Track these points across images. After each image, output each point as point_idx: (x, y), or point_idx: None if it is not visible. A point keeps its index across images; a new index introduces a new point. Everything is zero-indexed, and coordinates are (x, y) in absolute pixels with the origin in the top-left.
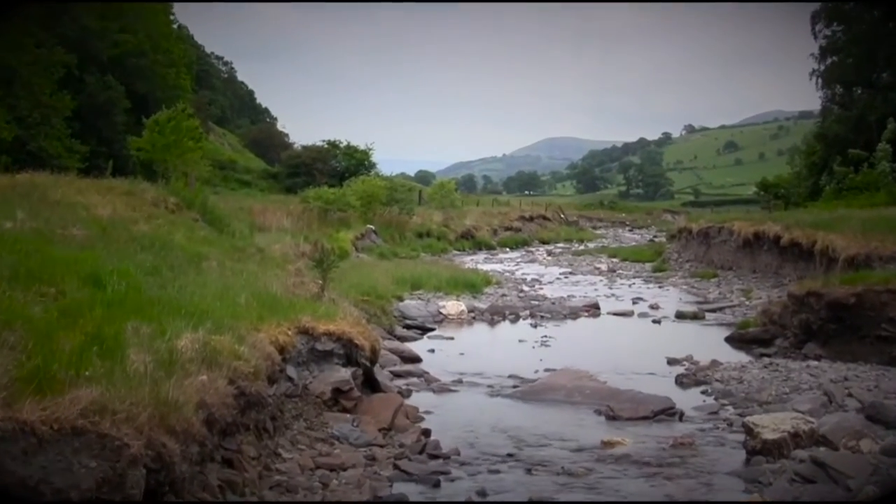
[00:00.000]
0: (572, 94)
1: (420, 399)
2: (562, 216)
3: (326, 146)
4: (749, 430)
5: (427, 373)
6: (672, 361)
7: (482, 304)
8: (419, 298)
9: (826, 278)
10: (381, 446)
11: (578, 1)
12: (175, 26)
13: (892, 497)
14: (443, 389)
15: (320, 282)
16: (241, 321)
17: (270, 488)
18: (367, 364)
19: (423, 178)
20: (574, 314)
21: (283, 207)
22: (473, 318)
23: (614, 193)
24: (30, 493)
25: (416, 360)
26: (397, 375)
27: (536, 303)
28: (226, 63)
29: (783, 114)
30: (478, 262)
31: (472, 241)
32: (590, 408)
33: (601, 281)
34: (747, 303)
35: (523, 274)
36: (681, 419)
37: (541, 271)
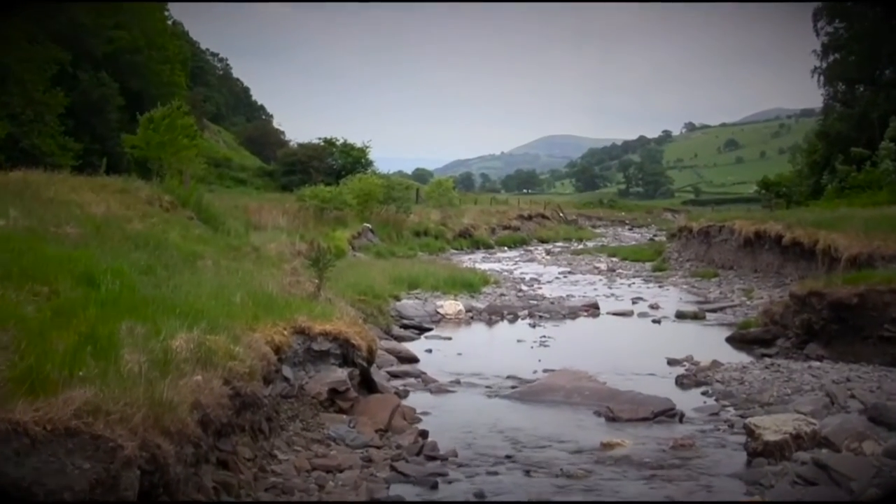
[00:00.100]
0: (571, 92)
1: (417, 400)
2: (561, 215)
3: (323, 144)
4: (750, 432)
5: (424, 373)
6: (672, 362)
7: (480, 304)
8: (416, 298)
9: (828, 278)
10: (378, 447)
11: (578, 1)
12: (170, 23)
13: (893, 498)
14: (440, 390)
15: (316, 281)
16: (237, 321)
17: (266, 490)
18: (364, 364)
19: (421, 176)
20: (573, 314)
21: (279, 206)
22: (471, 317)
23: (614, 192)
24: (23, 495)
25: (413, 360)
26: (394, 376)
27: (535, 302)
28: (221, 60)
29: (784, 111)
30: (476, 261)
31: (469, 240)
32: (589, 409)
33: (600, 280)
34: (748, 303)
35: (522, 273)
36: (681, 420)
37: (539, 270)
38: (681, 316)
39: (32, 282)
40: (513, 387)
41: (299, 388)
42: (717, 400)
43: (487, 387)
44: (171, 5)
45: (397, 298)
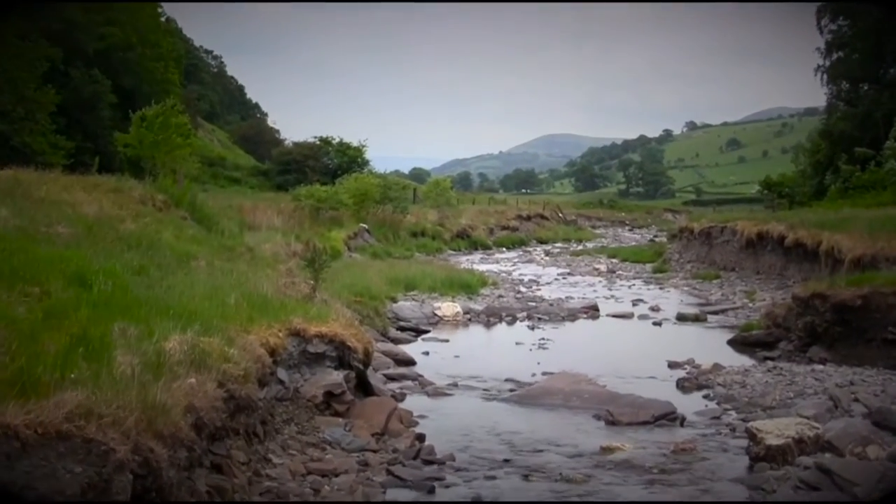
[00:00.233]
0: (571, 90)
1: (414, 403)
2: (560, 215)
3: (318, 143)
4: (752, 436)
5: (421, 376)
6: (673, 365)
7: (478, 306)
8: (413, 299)
9: (831, 280)
10: (375, 451)
11: (578, 1)
12: (163, 19)
13: (893, 497)
14: (437, 393)
15: (312, 282)
16: (231, 322)
17: (260, 494)
18: (360, 367)
19: (418, 175)
20: (572, 316)
21: (274, 206)
22: (469, 319)
23: (614, 192)
24: (13, 501)
25: (410, 362)
26: (391, 378)
27: (534, 304)
28: (215, 57)
29: (787, 110)
30: (474, 262)
31: (467, 241)
32: (588, 412)
33: (600, 282)
34: (750, 305)
35: (520, 274)
36: (682, 424)
37: (538, 272)
38: (682, 318)
39: (23, 282)
40: (511, 390)
41: (294, 390)
42: (718, 403)
43: (485, 390)
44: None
45: (394, 300)
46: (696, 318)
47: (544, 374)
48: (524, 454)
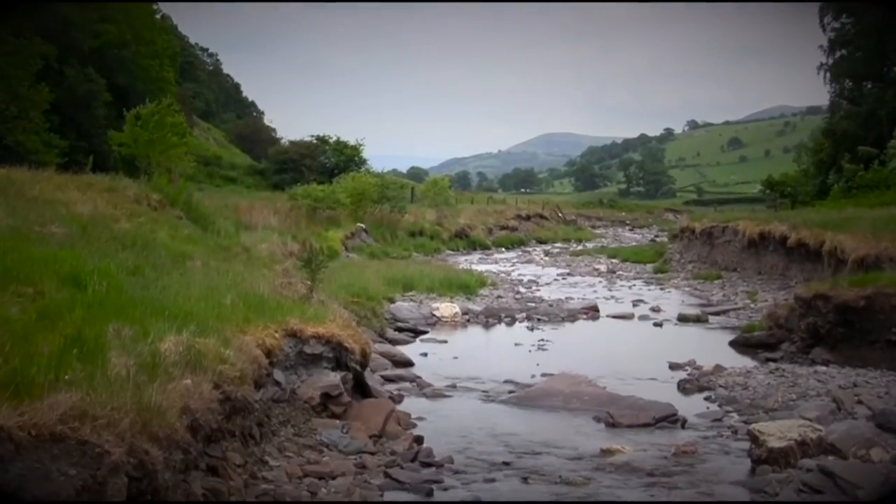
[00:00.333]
0: (571, 89)
1: (412, 405)
2: (559, 215)
3: (315, 141)
4: (754, 438)
5: (419, 377)
6: (674, 366)
7: (477, 307)
8: (411, 300)
9: (834, 280)
10: (372, 454)
11: (577, 1)
12: (158, 17)
13: (893, 497)
14: (436, 395)
15: (309, 282)
16: (227, 323)
17: (257, 497)
18: (358, 368)
19: (416, 174)
20: (572, 317)
21: (270, 205)
22: (468, 320)
23: (614, 191)
24: (10, 501)
25: (408, 364)
26: (388, 380)
27: (533, 305)
28: (211, 55)
29: (790, 109)
30: (472, 262)
31: (466, 241)
32: (588, 414)
33: (600, 282)
34: (752, 305)
35: (519, 275)
36: (683, 426)
37: (538, 272)
38: (683, 319)
39: (17, 283)
40: (510, 391)
41: (291, 392)
42: (720, 405)
43: (484, 391)
44: None
45: (392, 300)
46: (698, 319)
47: (544, 375)
48: (523, 456)
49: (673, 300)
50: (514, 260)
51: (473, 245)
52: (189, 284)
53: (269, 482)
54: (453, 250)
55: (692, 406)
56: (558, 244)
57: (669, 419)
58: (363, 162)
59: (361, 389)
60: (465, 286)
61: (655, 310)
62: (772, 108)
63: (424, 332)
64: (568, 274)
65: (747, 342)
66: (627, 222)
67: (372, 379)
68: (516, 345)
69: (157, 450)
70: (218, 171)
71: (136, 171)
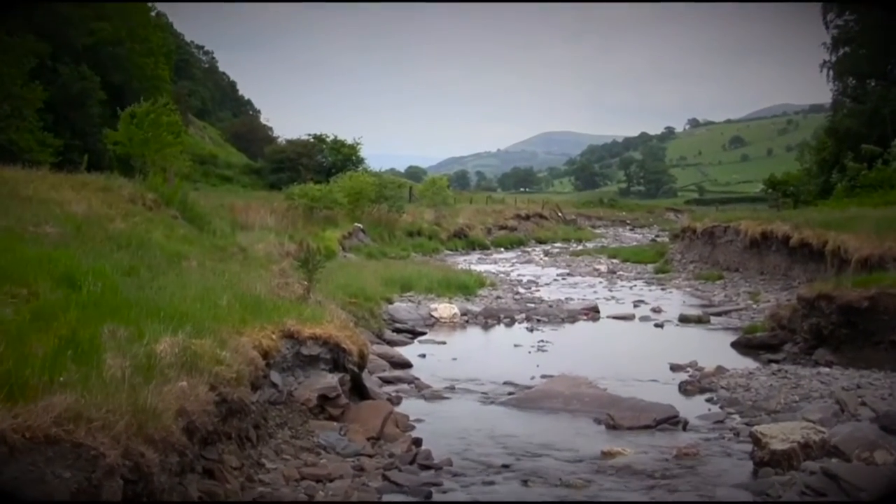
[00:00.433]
0: (570, 87)
1: (410, 406)
2: (559, 214)
3: (312, 140)
4: (756, 440)
5: (418, 379)
6: (675, 368)
7: (476, 307)
8: (409, 301)
9: (838, 280)
10: (370, 456)
11: (577, 1)
12: (153, 14)
13: (893, 497)
14: (434, 396)
15: (306, 283)
16: (223, 324)
17: (253, 500)
18: (355, 370)
19: (414, 174)
20: (572, 318)
21: (267, 204)
22: (466, 321)
23: (614, 191)
24: (8, 500)
25: (406, 365)
26: (387, 381)
27: (533, 306)
28: (207, 52)
29: (792, 107)
30: (471, 262)
31: (465, 241)
32: (589, 416)
33: (601, 283)
34: (754, 306)
35: (519, 275)
36: (684, 428)
37: (537, 272)
38: (684, 320)
39: (10, 283)
40: (510, 393)
41: (288, 394)
42: (721, 407)
43: (483, 393)
44: None
45: (390, 301)
46: (699, 320)
47: (543, 376)
48: (523, 459)
49: (674, 301)
50: (514, 260)
51: (472, 245)
52: (185, 285)
53: (266, 485)
54: (452, 250)
55: (694, 408)
56: (558, 244)
57: (671, 421)
58: (360, 161)
59: (359, 391)
60: (464, 287)
61: (656, 310)
62: (774, 106)
63: (423, 334)
64: (568, 274)
65: (749, 343)
66: (628, 222)
67: (370, 380)
68: (516, 346)
69: (153, 452)
70: (214, 171)
71: (131, 170)
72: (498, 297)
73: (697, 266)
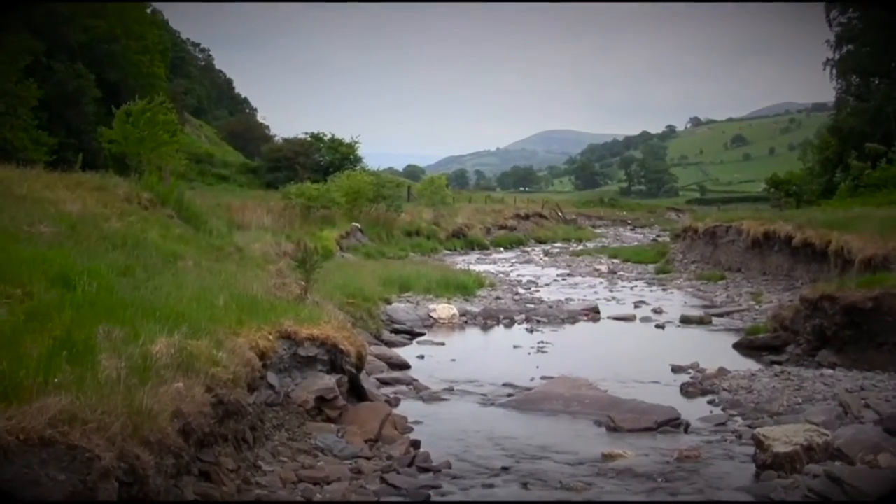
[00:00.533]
0: (570, 85)
1: (409, 408)
2: (559, 214)
3: (309, 139)
4: (759, 443)
5: (416, 380)
6: (677, 369)
7: (475, 308)
8: (408, 301)
9: (841, 281)
10: (368, 458)
11: (577, 1)
12: (149, 11)
13: (893, 497)
14: (433, 398)
15: (303, 283)
16: (220, 325)
17: (250, 503)
18: (353, 371)
19: (413, 173)
20: (572, 318)
21: (264, 204)
22: (465, 322)
23: (615, 190)
24: (6, 500)
25: (404, 366)
26: (385, 383)
27: (532, 306)
28: (203, 50)
29: (795, 106)
30: (470, 262)
31: (463, 241)
32: (589, 418)
33: (601, 283)
34: (757, 307)
35: (518, 275)
36: (686, 431)
37: (537, 273)
38: (686, 321)
39: (4, 283)
40: (509, 395)
41: (285, 395)
42: (723, 409)
43: (482, 395)
44: None
45: (388, 302)
46: (701, 321)
47: (543, 378)
48: (523, 461)
49: (675, 301)
50: (513, 260)
51: (471, 245)
52: (181, 285)
53: (263, 487)
54: (451, 250)
55: (695, 410)
56: (558, 244)
57: (672, 423)
58: (358, 160)
59: (357, 393)
60: (463, 287)
61: (657, 311)
62: (776, 104)
63: (421, 334)
64: (568, 274)
65: (752, 344)
66: (629, 221)
67: (368, 382)
68: (515, 347)
69: (149, 454)
70: (210, 169)
71: (126, 169)
72: (497, 298)
73: (699, 266)
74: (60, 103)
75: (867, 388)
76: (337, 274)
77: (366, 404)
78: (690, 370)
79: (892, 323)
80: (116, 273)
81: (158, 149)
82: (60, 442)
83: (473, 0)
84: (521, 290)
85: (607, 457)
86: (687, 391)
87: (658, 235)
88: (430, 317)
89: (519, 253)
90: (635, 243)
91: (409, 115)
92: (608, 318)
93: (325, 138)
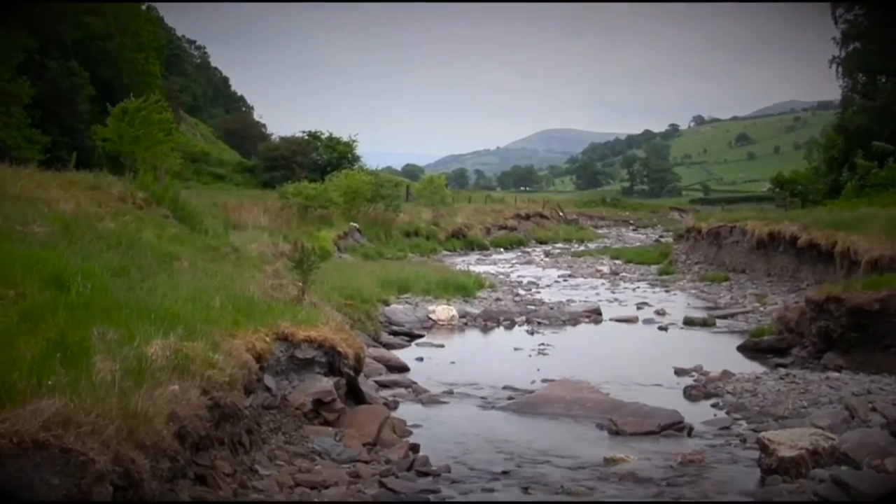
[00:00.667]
0: (571, 84)
1: (408, 411)
2: (560, 214)
3: (307, 138)
4: (764, 447)
5: (415, 383)
6: (680, 372)
7: (475, 309)
8: (407, 303)
9: (847, 282)
10: (366, 462)
11: (577, 1)
12: (144, 8)
13: (893, 497)
14: (432, 401)
15: (300, 284)
16: (216, 326)
17: None
18: (351, 373)
19: (411, 172)
20: (574, 320)
21: (260, 203)
22: (465, 324)
23: (617, 190)
24: (6, 499)
25: (403, 369)
26: (383, 385)
27: (533, 308)
28: (198, 47)
29: (800, 104)
30: (470, 263)
31: (463, 241)
32: (591, 421)
33: (603, 284)
34: (761, 309)
35: (519, 276)
36: (689, 434)
37: (538, 274)
38: (689, 322)
39: None
40: (509, 398)
41: (282, 398)
42: (728, 413)
43: (482, 398)
44: None
45: (386, 303)
46: (704, 323)
47: (544, 381)
48: (523, 465)
49: (678, 303)
50: (514, 261)
51: (471, 245)
52: (176, 286)
53: (260, 491)
54: (450, 251)
55: (699, 413)
56: (559, 244)
57: (675, 427)
58: (356, 159)
59: (355, 395)
60: (463, 288)
61: (660, 313)
62: (781, 102)
63: (420, 336)
64: (569, 275)
65: (756, 347)
66: (631, 222)
67: (366, 384)
68: (516, 349)
69: (144, 458)
70: (206, 168)
71: (120, 167)
72: (497, 299)
73: (702, 267)
74: (54, 101)
75: (874, 392)
76: (335, 275)
77: (364, 407)
78: (694, 373)
79: None
80: (111, 274)
81: (153, 147)
82: (54, 445)
83: (473, 0)
84: (521, 292)
85: (609, 461)
86: (690, 394)
87: (661, 236)
88: (430, 318)
89: (519, 254)
90: (638, 244)
91: (408, 113)
92: (610, 319)
93: (323, 137)
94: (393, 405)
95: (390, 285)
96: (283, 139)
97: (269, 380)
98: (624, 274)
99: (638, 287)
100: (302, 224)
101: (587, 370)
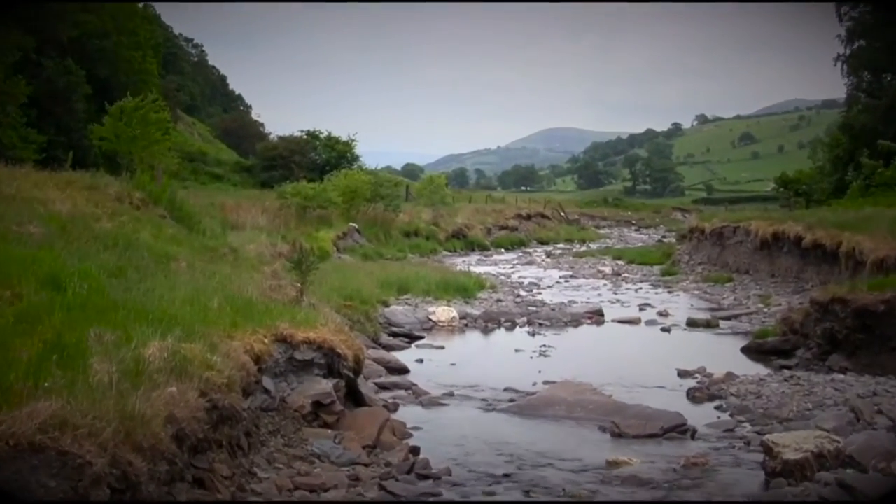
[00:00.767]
0: (572, 83)
1: (408, 413)
2: (562, 214)
3: (305, 137)
4: (768, 450)
5: (415, 385)
6: (683, 374)
7: (475, 311)
8: (406, 304)
9: (852, 283)
10: (366, 465)
11: (577, 0)
12: (140, 5)
13: (893, 497)
14: (433, 403)
15: (299, 285)
16: (214, 328)
17: None
18: (351, 375)
19: (411, 171)
20: (575, 321)
21: (259, 203)
22: (466, 325)
23: (619, 189)
24: (5, 499)
25: (403, 370)
26: (383, 388)
27: (534, 309)
28: (196, 46)
29: (804, 103)
30: (470, 263)
31: (463, 241)
32: (593, 424)
33: (605, 285)
34: (765, 310)
35: (520, 277)
36: (693, 437)
37: (539, 274)
38: (692, 324)
39: None
40: (511, 400)
41: (281, 400)
42: (731, 415)
43: (483, 400)
44: None
45: (386, 304)
46: (708, 324)
47: (546, 382)
48: (525, 468)
49: (681, 304)
50: (515, 261)
51: (471, 246)
52: (174, 287)
53: (258, 495)
54: (450, 251)
55: (702, 415)
56: (561, 245)
57: (678, 429)
58: (355, 158)
59: (354, 397)
60: (463, 289)
61: (663, 314)
62: (785, 101)
63: (420, 338)
64: (571, 276)
65: (760, 348)
66: (633, 222)
67: (365, 386)
68: (517, 351)
69: (141, 460)
70: (203, 168)
71: (117, 167)
72: (498, 300)
73: (706, 268)
74: (50, 100)
75: (879, 394)
76: (334, 275)
77: (364, 409)
78: (697, 375)
79: None
80: (108, 274)
81: (150, 147)
82: (51, 448)
83: (473, 0)
84: (522, 293)
85: (612, 464)
86: (694, 396)
87: (663, 236)
88: (430, 320)
89: (520, 254)
90: (640, 244)
91: (408, 113)
92: (612, 321)
93: (322, 136)
94: (393, 407)
95: (390, 286)
96: (281, 138)
97: (267, 382)
98: (626, 275)
99: (640, 288)
100: (300, 224)
101: (589, 372)
